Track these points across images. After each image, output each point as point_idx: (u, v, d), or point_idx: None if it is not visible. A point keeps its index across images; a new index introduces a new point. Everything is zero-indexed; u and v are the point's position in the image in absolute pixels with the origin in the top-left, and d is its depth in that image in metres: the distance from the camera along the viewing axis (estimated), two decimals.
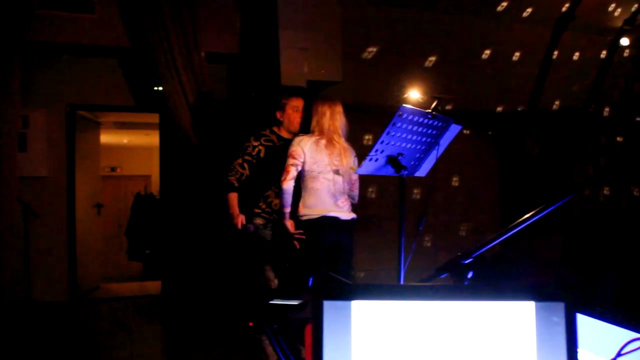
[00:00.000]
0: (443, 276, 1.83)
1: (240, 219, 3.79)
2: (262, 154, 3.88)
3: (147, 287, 7.51)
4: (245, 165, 3.87)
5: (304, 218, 3.64)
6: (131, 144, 10.83)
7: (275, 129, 3.99)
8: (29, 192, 5.58)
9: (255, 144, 3.91)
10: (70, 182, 6.01)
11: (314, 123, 3.76)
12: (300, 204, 3.67)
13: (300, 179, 3.66)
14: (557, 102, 7.74)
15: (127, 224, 9.53)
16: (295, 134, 3.88)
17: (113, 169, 10.99)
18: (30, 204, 5.40)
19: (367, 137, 6.58)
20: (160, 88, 5.52)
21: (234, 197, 3.84)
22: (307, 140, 3.63)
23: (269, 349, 3.68)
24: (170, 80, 5.42)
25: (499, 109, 7.55)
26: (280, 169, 3.64)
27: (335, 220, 3.61)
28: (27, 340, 4.61)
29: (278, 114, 3.96)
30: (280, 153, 3.79)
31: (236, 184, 3.84)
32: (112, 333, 4.97)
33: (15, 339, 4.62)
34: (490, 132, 7.38)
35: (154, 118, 6.47)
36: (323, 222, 3.61)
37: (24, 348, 4.40)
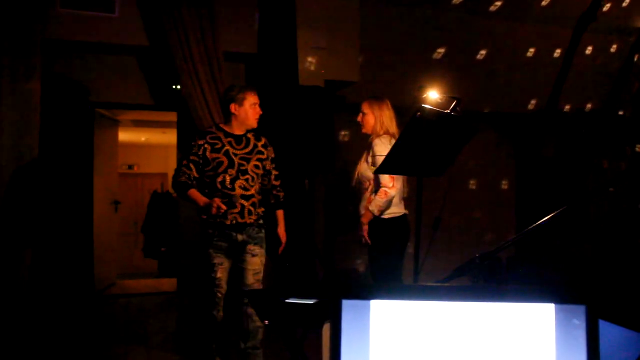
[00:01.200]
0: (461, 278, 1.82)
1: (216, 202, 3.42)
2: (208, 153, 3.59)
3: (163, 284, 7.57)
4: (192, 166, 3.60)
5: (389, 217, 3.81)
6: (149, 142, 10.91)
7: (222, 125, 3.76)
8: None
9: (201, 142, 3.63)
10: (88, 179, 6.07)
11: (378, 124, 3.92)
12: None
13: (369, 180, 3.86)
14: (571, 104, 7.67)
15: (144, 222, 9.61)
16: (249, 131, 3.75)
17: (130, 167, 11.08)
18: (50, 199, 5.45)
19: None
20: (179, 87, 5.56)
21: (195, 192, 3.58)
22: (388, 141, 3.77)
23: None
24: (188, 79, 5.46)
25: (518, 110, 7.50)
26: (226, 168, 3.57)
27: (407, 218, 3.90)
28: (45, 336, 4.67)
29: (233, 108, 3.66)
30: (227, 151, 3.62)
31: (190, 182, 3.58)
32: (128, 330, 5.01)
33: (33, 335, 4.68)
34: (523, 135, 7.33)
35: (172, 117, 6.51)
36: (406, 220, 3.88)
37: (42, 344, 4.46)
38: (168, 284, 7.21)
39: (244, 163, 3.65)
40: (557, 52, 7.31)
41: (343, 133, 6.52)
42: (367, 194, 3.87)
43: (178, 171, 3.61)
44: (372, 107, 3.98)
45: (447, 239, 6.55)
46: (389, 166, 2.69)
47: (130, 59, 6.04)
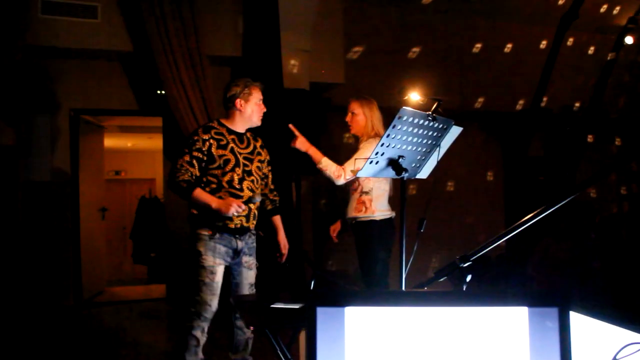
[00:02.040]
0: (442, 279, 1.83)
1: (231, 201, 3.19)
2: (213, 149, 3.28)
3: (152, 290, 7.53)
4: (195, 162, 3.25)
5: (380, 218, 3.77)
6: (135, 148, 10.86)
7: (223, 120, 3.43)
8: (33, 196, 5.60)
9: (205, 137, 3.28)
10: (74, 186, 6.03)
11: (368, 125, 3.82)
12: (373, 205, 3.77)
13: (358, 180, 3.78)
14: (557, 103, 7.72)
15: (132, 228, 9.56)
16: (249, 130, 3.50)
17: (117, 173, 11.02)
18: (33, 208, 5.42)
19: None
20: (163, 92, 5.54)
21: (202, 191, 3.23)
22: None
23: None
24: (172, 84, 5.44)
25: (502, 109, 7.54)
26: (233, 166, 3.30)
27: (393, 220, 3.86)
28: (33, 344, 4.63)
29: (238, 103, 3.38)
30: (232, 148, 3.35)
31: (193, 181, 3.23)
32: (117, 337, 4.98)
33: (22, 343, 4.64)
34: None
35: (157, 122, 6.49)
36: (392, 222, 3.84)
37: (31, 352, 4.42)
38: (158, 290, 7.18)
39: (248, 163, 3.39)
40: (542, 49, 7.36)
41: (330, 134, 6.52)
42: (356, 195, 3.83)
43: (178, 169, 3.21)
44: (362, 107, 3.87)
45: (433, 240, 6.57)
46: (372, 168, 2.69)
47: (113, 65, 6.01)
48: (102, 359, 4.33)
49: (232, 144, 3.36)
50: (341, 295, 1.01)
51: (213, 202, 3.19)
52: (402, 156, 2.70)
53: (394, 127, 2.51)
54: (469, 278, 1.69)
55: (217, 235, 3.30)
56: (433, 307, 1.00)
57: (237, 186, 3.31)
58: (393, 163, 2.70)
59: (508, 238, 1.75)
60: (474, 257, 1.66)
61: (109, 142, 8.45)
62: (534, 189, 7.24)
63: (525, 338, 0.97)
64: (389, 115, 2.58)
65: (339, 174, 3.61)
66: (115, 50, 5.67)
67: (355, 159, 3.57)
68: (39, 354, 4.36)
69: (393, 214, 3.86)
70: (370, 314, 1.00)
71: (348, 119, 3.92)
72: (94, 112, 6.44)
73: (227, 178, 3.29)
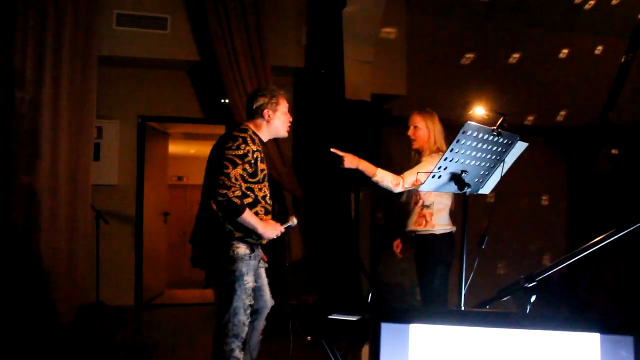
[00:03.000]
0: (504, 299, 1.79)
1: (277, 227, 3.10)
2: (259, 162, 3.07)
3: (209, 294, 7.66)
4: (245, 175, 3.00)
5: (441, 232, 3.71)
6: (198, 154, 11.12)
7: (254, 128, 3.20)
8: (101, 199, 5.83)
9: (254, 148, 3.04)
10: (139, 191, 6.24)
11: (431, 140, 3.77)
12: (434, 219, 3.71)
13: (419, 193, 3.73)
14: (628, 117, 7.41)
15: (192, 232, 9.75)
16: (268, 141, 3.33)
17: (180, 179, 11.31)
18: (101, 211, 5.63)
19: None
20: (227, 101, 5.68)
21: (251, 213, 3.01)
22: None
23: None
24: (236, 93, 5.57)
25: (569, 123, 7.32)
26: (266, 181, 3.15)
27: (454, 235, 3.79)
28: (95, 343, 4.80)
29: (267, 114, 3.20)
30: (264, 162, 3.17)
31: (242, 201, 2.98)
32: (175, 339, 5.09)
33: (84, 342, 4.82)
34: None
35: (221, 130, 6.62)
36: (453, 237, 3.78)
37: (93, 350, 4.58)
38: (214, 294, 7.30)
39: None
40: (613, 62, 7.10)
41: (389, 146, 6.49)
42: (417, 208, 3.77)
43: (233, 183, 2.90)
44: (425, 121, 3.79)
45: (495, 257, 6.42)
46: (434, 183, 2.66)
47: (180, 74, 6.21)
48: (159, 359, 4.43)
49: (264, 157, 3.18)
50: (406, 312, 1.01)
51: (260, 226, 3.00)
52: (465, 171, 2.67)
53: (458, 141, 2.48)
54: (533, 299, 1.65)
55: (254, 253, 3.11)
56: (501, 329, 0.98)
57: (269, 201, 3.18)
58: (456, 178, 2.67)
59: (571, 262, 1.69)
60: (539, 278, 1.62)
61: (173, 148, 8.70)
62: (601, 207, 6.97)
63: None
64: (451, 129, 2.55)
65: (397, 182, 3.56)
66: (183, 60, 5.86)
67: (418, 172, 3.47)
68: (102, 352, 4.52)
69: (454, 229, 3.79)
70: (436, 332, 1.00)
71: (410, 132, 3.85)
72: (161, 120, 6.65)
73: (262, 194, 3.12)
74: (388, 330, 1.00)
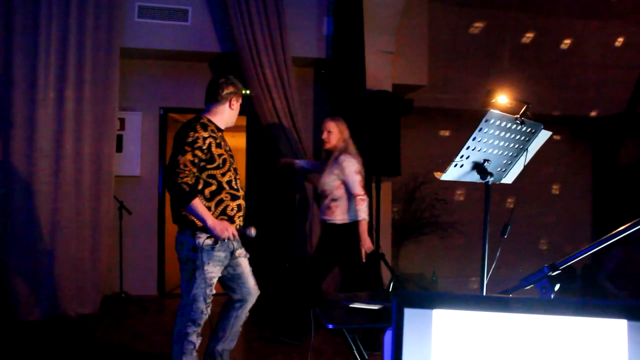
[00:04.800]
0: (528, 287, 1.77)
1: (228, 227, 3.04)
2: (213, 148, 3.07)
3: None
4: (196, 162, 3.00)
5: (350, 221, 4.17)
6: None
7: (208, 116, 3.24)
8: (124, 190, 5.90)
9: (205, 134, 3.05)
10: (162, 182, 6.30)
11: (341, 141, 4.27)
12: (343, 211, 4.20)
13: (335, 188, 4.20)
14: None
15: None
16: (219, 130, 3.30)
17: None
18: (124, 201, 5.70)
19: (445, 141, 6.45)
20: (248, 92, 5.69)
21: (199, 201, 3.00)
22: (355, 159, 4.23)
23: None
24: (257, 84, 5.58)
25: (593, 113, 7.21)
26: (230, 165, 3.17)
27: None
28: (119, 332, 4.88)
29: (233, 103, 3.32)
30: (222, 146, 3.17)
31: (193, 186, 3.01)
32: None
33: (107, 331, 4.89)
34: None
35: (241, 121, 6.65)
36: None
37: (116, 338, 4.65)
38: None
39: (233, 161, 3.25)
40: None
41: (409, 136, 6.47)
42: (328, 202, 4.24)
43: (181, 169, 2.94)
44: (338, 126, 4.31)
45: (517, 246, 6.37)
46: (456, 172, 2.65)
47: (201, 65, 6.23)
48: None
49: (222, 142, 3.20)
50: (429, 297, 1.00)
51: (209, 219, 2.98)
52: (487, 160, 2.65)
53: (480, 129, 2.46)
54: (557, 287, 1.64)
55: (220, 245, 3.09)
56: (526, 315, 0.98)
57: (235, 187, 3.18)
58: (478, 167, 2.65)
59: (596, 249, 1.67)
60: (563, 266, 1.61)
61: None
62: (625, 197, 6.87)
63: (624, 353, 0.93)
64: (474, 118, 2.53)
65: (362, 199, 4.12)
66: (204, 51, 5.88)
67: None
68: (125, 340, 4.58)
69: (353, 219, 4.17)
70: (460, 318, 0.99)
71: (324, 136, 4.32)
72: (182, 111, 6.69)
73: (226, 178, 3.13)
74: (411, 315, 1.00)
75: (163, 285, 6.33)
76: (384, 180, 6.09)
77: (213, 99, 3.30)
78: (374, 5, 5.78)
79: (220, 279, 3.27)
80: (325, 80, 6.16)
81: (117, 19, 5.43)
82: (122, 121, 5.98)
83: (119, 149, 5.94)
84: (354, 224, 4.12)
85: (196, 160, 2.98)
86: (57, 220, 5.20)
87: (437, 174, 3.51)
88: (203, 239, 3.04)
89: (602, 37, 7.09)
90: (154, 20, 5.67)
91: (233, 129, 8.73)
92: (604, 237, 1.61)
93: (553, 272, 1.62)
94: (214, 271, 3.10)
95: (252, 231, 3.21)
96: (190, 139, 2.99)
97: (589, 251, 1.60)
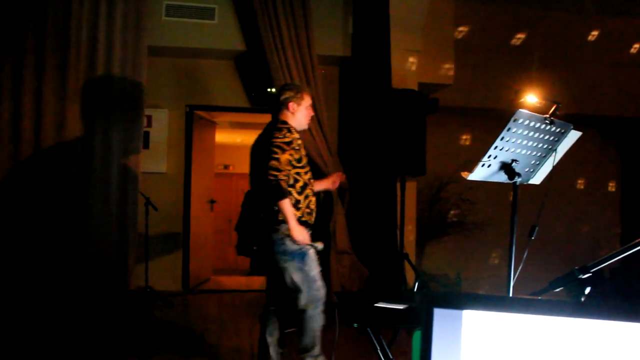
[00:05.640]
0: (556, 290, 1.75)
1: (306, 235, 3.30)
2: (302, 149, 3.35)
3: (253, 281, 7.76)
4: (292, 160, 3.24)
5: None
6: (244, 143, 11.23)
7: (287, 120, 3.42)
8: (150, 186, 5.97)
9: (296, 136, 3.29)
10: (187, 178, 6.36)
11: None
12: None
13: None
14: None
15: (237, 220, 9.87)
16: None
17: (226, 167, 11.45)
18: (150, 197, 5.76)
19: (471, 141, 6.40)
20: (273, 89, 5.71)
21: (290, 205, 3.23)
22: None
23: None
24: (283, 82, 5.58)
25: (623, 113, 7.07)
26: (307, 165, 3.40)
27: None
28: (143, 326, 4.94)
29: (292, 106, 3.44)
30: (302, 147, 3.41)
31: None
32: (221, 324, 5.19)
33: (134, 325, 4.96)
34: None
35: (267, 118, 6.65)
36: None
37: (141, 333, 4.71)
38: (258, 281, 7.38)
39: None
40: None
41: (435, 136, 6.43)
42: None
43: (283, 167, 3.16)
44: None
45: (544, 248, 6.29)
46: (483, 172, 2.62)
47: (228, 63, 6.27)
48: (204, 343, 4.52)
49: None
50: (459, 298, 1.00)
51: (292, 221, 3.20)
52: (515, 160, 2.62)
53: (508, 129, 2.44)
54: (587, 290, 1.61)
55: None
56: (556, 317, 0.97)
57: (312, 184, 3.43)
58: (506, 167, 2.62)
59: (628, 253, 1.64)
60: (594, 269, 1.58)
61: (220, 137, 8.81)
62: None
63: None
64: (501, 117, 2.51)
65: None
66: (230, 49, 5.92)
67: None
68: (149, 335, 4.64)
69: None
70: (489, 319, 0.99)
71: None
72: (208, 108, 6.74)
73: (308, 176, 3.38)
74: (441, 316, 0.99)
75: (188, 281, 6.39)
76: (408, 179, 6.05)
77: (277, 104, 3.51)
78: (400, 4, 5.75)
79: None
80: (350, 79, 6.15)
81: (145, 17, 5.49)
82: (148, 118, 6.05)
83: (146, 145, 6.01)
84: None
85: (292, 160, 3.24)
86: (85, 215, 5.29)
87: (464, 174, 3.48)
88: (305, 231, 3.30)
89: (635, 35, 6.96)
90: (181, 19, 5.73)
91: (257, 126, 8.75)
92: (634, 242, 1.58)
93: (583, 275, 1.60)
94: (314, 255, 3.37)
95: (320, 245, 3.40)
96: (287, 139, 3.23)
97: (622, 254, 1.57)
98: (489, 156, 2.53)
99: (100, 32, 5.33)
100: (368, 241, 5.66)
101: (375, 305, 2.57)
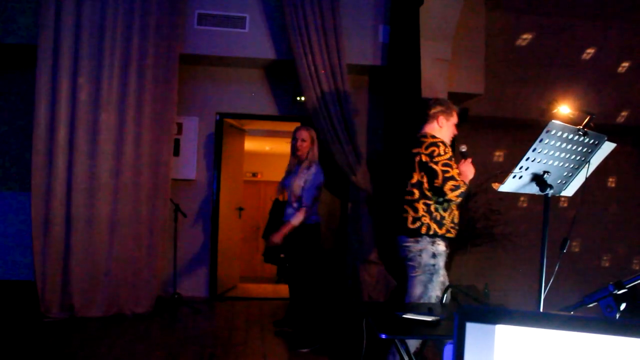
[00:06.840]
0: (590, 305, 1.72)
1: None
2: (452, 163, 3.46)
3: (280, 290, 7.77)
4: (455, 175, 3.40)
5: (314, 223, 4.72)
6: (272, 151, 11.30)
7: (433, 134, 3.57)
8: (179, 193, 6.04)
9: (448, 149, 3.48)
10: (216, 185, 6.42)
11: (311, 152, 4.69)
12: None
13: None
14: None
15: (265, 228, 9.92)
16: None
17: (254, 175, 11.53)
18: (179, 204, 5.83)
19: (501, 152, 6.31)
20: (303, 98, 5.74)
21: None
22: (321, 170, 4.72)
23: None
24: (312, 91, 5.62)
25: None
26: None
27: None
28: (171, 332, 4.98)
29: (441, 120, 3.62)
30: None
31: None
32: (246, 331, 5.21)
33: (160, 330, 5.01)
34: None
35: (294, 126, 6.70)
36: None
37: (168, 338, 4.75)
38: (285, 290, 7.39)
39: None
40: None
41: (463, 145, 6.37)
42: (297, 205, 4.65)
43: (460, 184, 3.36)
44: (311, 136, 4.72)
45: (576, 262, 6.16)
46: (515, 183, 2.59)
47: (258, 72, 6.33)
48: (231, 351, 4.54)
49: None
50: (492, 312, 0.99)
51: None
52: (547, 172, 2.59)
53: (541, 141, 2.41)
54: (623, 306, 1.58)
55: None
56: (591, 334, 0.95)
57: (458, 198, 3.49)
58: (537, 178, 2.59)
59: None
60: (630, 285, 1.55)
61: (249, 144, 8.87)
62: None
63: None
64: (532, 128, 2.48)
65: (306, 210, 4.58)
66: (260, 58, 5.96)
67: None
68: (171, 341, 4.68)
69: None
70: (523, 334, 0.97)
71: (299, 144, 4.70)
72: (238, 116, 6.79)
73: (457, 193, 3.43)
74: (473, 330, 0.98)
75: (215, 287, 6.43)
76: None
77: (424, 118, 3.68)
78: (431, 13, 5.74)
79: None
80: (380, 88, 6.14)
81: (177, 26, 5.58)
82: (179, 125, 6.13)
83: (176, 152, 6.09)
84: (316, 225, 4.70)
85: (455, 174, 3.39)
86: (116, 221, 5.38)
87: (495, 185, 3.44)
88: (441, 246, 3.44)
89: None
90: (213, 28, 5.80)
91: (287, 135, 8.80)
92: None
93: (619, 291, 1.57)
94: (444, 274, 3.51)
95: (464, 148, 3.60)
96: (449, 155, 3.42)
97: None
98: (521, 167, 2.50)
99: (134, 40, 5.43)
100: (395, 251, 5.62)
101: (404, 316, 2.55)
